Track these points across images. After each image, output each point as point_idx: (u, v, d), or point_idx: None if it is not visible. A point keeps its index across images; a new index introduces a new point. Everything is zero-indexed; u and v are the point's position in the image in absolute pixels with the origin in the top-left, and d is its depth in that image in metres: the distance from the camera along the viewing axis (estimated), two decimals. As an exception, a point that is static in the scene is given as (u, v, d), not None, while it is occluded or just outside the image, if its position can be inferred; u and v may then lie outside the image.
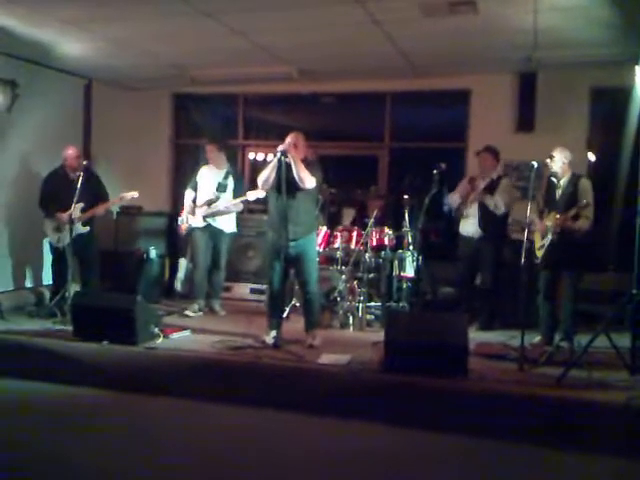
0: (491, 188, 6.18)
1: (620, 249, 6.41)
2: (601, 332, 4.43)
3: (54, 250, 6.48)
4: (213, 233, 6.68)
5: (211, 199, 6.61)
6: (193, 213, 6.68)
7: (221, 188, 6.65)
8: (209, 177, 6.75)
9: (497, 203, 6.07)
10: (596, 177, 6.02)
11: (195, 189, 6.77)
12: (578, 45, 5.98)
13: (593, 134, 7.06)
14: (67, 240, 6.19)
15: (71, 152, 6.45)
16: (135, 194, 6.55)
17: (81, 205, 6.29)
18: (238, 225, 6.96)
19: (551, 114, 7.00)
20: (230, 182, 6.67)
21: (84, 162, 6.35)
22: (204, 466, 3.60)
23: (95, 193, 6.50)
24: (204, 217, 6.62)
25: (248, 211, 8.33)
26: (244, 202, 6.62)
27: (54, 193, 6.34)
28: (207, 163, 6.82)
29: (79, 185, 5.99)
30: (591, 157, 6.92)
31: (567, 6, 5.04)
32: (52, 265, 6.63)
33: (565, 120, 6.93)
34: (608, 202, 6.56)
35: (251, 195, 6.40)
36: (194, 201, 6.72)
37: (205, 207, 6.61)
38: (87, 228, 6.46)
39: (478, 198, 6.14)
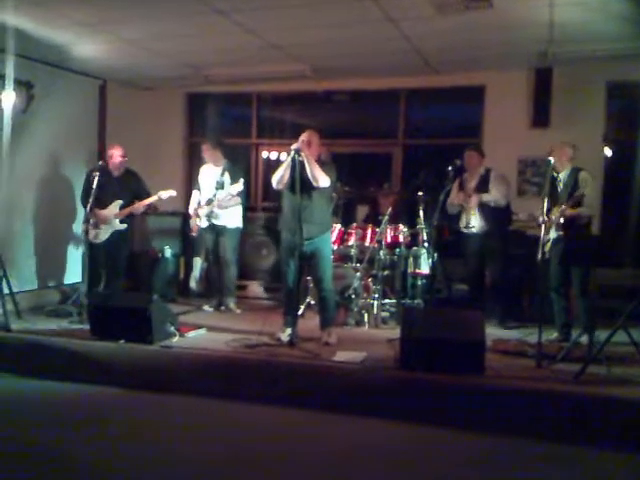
0: (483, 184, 6.16)
1: (637, 244, 6.35)
2: (620, 327, 4.38)
3: (88, 247, 6.49)
4: (217, 231, 6.71)
5: (210, 198, 6.66)
6: (198, 214, 6.72)
7: (218, 185, 6.68)
8: (208, 176, 6.81)
9: (496, 199, 6.06)
10: (612, 172, 5.99)
11: (200, 190, 6.84)
12: (594, 39, 5.92)
13: (609, 129, 6.99)
14: (104, 237, 6.33)
15: (115, 151, 6.52)
16: (173, 193, 6.57)
17: (120, 202, 6.38)
18: (246, 221, 6.94)
19: (567, 109, 6.95)
20: (227, 178, 6.68)
21: (100, 162, 6.46)
22: (221, 463, 3.60)
23: (134, 192, 6.56)
24: (207, 216, 6.65)
25: (262, 209, 8.37)
26: (236, 195, 6.57)
27: (96, 189, 6.22)
28: (206, 162, 6.88)
29: (94, 185, 6.04)
30: (607, 152, 6.86)
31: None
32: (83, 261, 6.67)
33: (581, 115, 6.88)
34: (624, 197, 6.51)
35: (234, 189, 6.46)
36: (199, 203, 6.78)
37: (206, 207, 6.67)
38: (124, 225, 6.51)
39: (476, 202, 6.09)
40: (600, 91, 6.97)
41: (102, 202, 6.28)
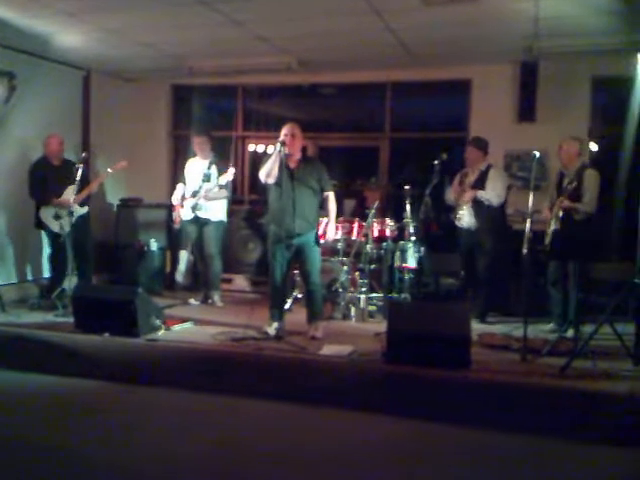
0: (481, 180, 6.05)
1: (623, 238, 6.39)
2: (604, 322, 4.41)
3: (54, 240, 6.45)
4: (201, 223, 6.69)
5: (196, 190, 6.63)
6: (182, 207, 6.69)
7: (205, 178, 6.65)
8: (195, 169, 6.78)
9: (489, 198, 5.95)
10: (598, 166, 5.99)
11: (185, 183, 6.81)
12: (580, 34, 5.93)
13: (595, 123, 7.03)
14: (69, 225, 6.24)
15: (54, 139, 6.51)
16: (124, 163, 6.66)
17: (73, 187, 6.26)
18: (231, 214, 6.90)
19: (552, 103, 6.96)
20: (214, 171, 6.66)
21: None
22: (206, 458, 3.58)
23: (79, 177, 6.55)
24: (192, 209, 6.62)
25: (248, 202, 8.34)
26: (223, 187, 6.56)
27: (43, 182, 6.36)
28: (194, 156, 6.85)
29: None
30: (593, 146, 6.89)
31: (569, -7, 5.02)
32: (51, 256, 6.63)
33: (566, 109, 6.90)
34: (609, 191, 6.54)
35: (223, 179, 6.46)
36: (184, 195, 6.74)
37: (191, 199, 6.63)
38: (86, 208, 6.54)
39: (470, 198, 6.00)
40: (586, 85, 6.99)
41: (55, 192, 6.29)
